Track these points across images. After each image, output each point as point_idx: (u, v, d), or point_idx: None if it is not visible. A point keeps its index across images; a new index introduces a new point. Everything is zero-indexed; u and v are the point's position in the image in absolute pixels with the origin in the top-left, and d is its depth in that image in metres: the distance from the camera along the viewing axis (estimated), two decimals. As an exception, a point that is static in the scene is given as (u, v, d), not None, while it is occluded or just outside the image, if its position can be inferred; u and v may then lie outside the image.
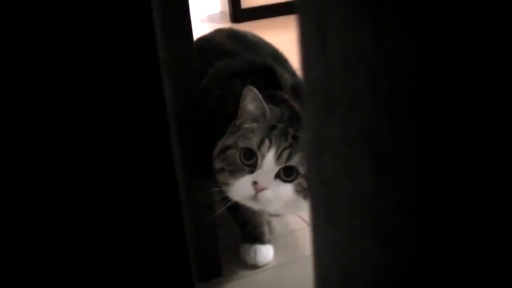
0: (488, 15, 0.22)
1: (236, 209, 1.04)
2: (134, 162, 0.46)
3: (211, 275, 1.05)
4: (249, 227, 1.10)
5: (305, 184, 0.90)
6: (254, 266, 1.09)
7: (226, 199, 0.95)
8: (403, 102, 0.25)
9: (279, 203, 0.92)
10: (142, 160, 0.46)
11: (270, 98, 0.97)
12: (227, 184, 0.93)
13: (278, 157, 0.89)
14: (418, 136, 0.25)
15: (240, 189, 0.91)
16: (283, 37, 1.93)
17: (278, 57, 1.17)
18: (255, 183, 0.89)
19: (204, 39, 1.29)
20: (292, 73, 1.12)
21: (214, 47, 1.20)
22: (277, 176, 0.90)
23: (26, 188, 0.46)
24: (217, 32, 1.31)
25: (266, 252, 1.10)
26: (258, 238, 1.10)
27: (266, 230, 1.11)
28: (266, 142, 0.90)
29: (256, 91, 0.92)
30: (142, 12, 0.41)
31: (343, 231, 0.30)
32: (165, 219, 0.48)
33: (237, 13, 3.64)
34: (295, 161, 0.89)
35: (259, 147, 0.90)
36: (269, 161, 0.89)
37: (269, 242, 1.11)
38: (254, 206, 0.94)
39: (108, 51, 0.42)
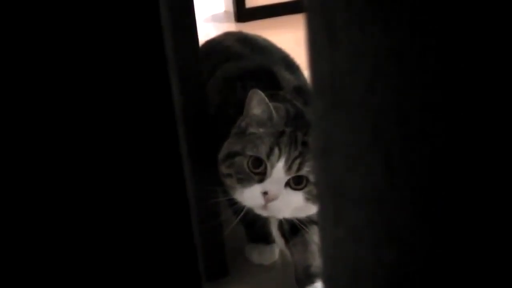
0: (500, 12, 0.22)
1: (241, 210, 1.03)
2: (142, 162, 0.46)
3: (217, 274, 1.05)
4: (254, 227, 1.10)
5: (315, 192, 0.88)
6: (260, 266, 1.09)
7: (237, 212, 0.94)
8: (413, 99, 0.25)
9: (289, 211, 0.91)
10: (150, 160, 0.46)
11: (272, 97, 0.95)
12: (234, 188, 0.92)
13: (288, 167, 0.87)
14: (428, 133, 0.25)
15: (249, 198, 0.90)
16: (288, 37, 1.93)
17: (289, 63, 1.14)
18: (265, 193, 0.87)
19: (213, 41, 1.29)
20: (300, 78, 1.10)
21: (223, 50, 1.18)
22: (287, 184, 0.88)
23: (35, 188, 0.46)
24: (227, 35, 1.31)
25: (271, 252, 1.10)
26: (263, 238, 1.10)
27: (271, 229, 1.11)
28: (276, 151, 0.88)
29: (262, 94, 0.90)
30: (150, 11, 0.41)
31: (351, 230, 0.30)
32: (173, 220, 0.48)
33: (242, 12, 3.64)
34: (305, 170, 0.87)
35: (268, 156, 0.88)
36: (279, 170, 0.87)
37: (274, 241, 1.11)
38: (263, 214, 0.93)
39: (117, 50, 0.42)
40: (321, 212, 0.34)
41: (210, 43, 1.29)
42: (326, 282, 0.34)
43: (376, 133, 0.27)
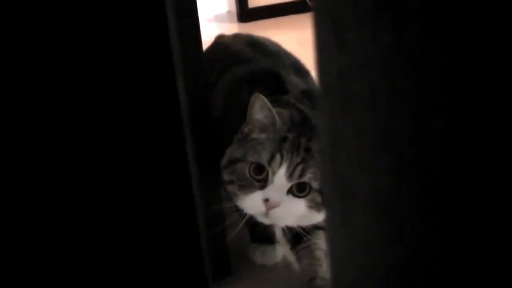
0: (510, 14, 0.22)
1: (244, 215, 1.03)
2: (149, 162, 0.46)
3: (220, 274, 1.05)
4: (258, 227, 1.09)
5: (318, 199, 0.87)
6: (263, 266, 1.09)
7: (242, 215, 0.93)
8: (423, 100, 0.25)
9: (291, 219, 0.90)
10: (157, 160, 0.46)
11: (276, 102, 0.94)
12: (236, 195, 0.91)
13: (290, 174, 0.86)
14: (437, 134, 0.25)
15: (250, 205, 0.89)
16: (291, 37, 1.93)
17: (298, 68, 1.12)
18: (266, 200, 0.86)
19: (222, 44, 1.28)
20: (310, 83, 1.09)
21: (232, 53, 1.17)
22: (289, 191, 0.87)
23: (42, 188, 0.46)
24: (237, 38, 1.29)
25: (274, 252, 1.10)
26: (267, 238, 1.10)
27: (275, 230, 1.11)
28: (277, 157, 0.86)
29: (265, 99, 0.88)
30: (156, 13, 0.41)
31: (360, 231, 0.30)
32: (180, 222, 0.48)
33: (244, 12, 3.64)
34: (308, 177, 0.86)
35: (269, 162, 0.86)
36: (280, 177, 0.86)
37: (278, 242, 1.11)
38: (265, 221, 0.92)
39: (123, 51, 0.42)
40: (328, 213, 0.34)
41: (219, 45, 1.28)
42: (334, 283, 0.34)
43: (384, 134, 0.27)
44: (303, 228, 0.94)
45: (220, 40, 1.32)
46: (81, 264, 0.48)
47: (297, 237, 1.00)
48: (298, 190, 0.87)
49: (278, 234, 1.11)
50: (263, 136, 0.89)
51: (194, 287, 0.47)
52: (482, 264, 0.26)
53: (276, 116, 0.89)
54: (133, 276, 0.48)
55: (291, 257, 1.06)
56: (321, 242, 1.00)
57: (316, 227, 0.98)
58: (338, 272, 0.33)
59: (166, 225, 0.48)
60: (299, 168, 0.86)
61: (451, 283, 0.27)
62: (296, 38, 1.67)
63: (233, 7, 3.75)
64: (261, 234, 1.10)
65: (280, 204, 0.86)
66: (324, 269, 0.96)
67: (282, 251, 1.11)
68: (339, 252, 0.32)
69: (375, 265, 0.30)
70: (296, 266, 1.05)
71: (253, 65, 1.09)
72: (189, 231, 0.48)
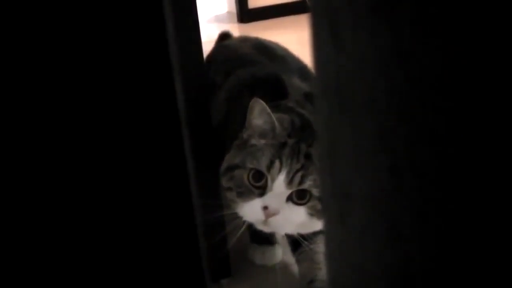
0: (507, 14, 0.22)
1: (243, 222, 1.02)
2: (146, 163, 0.46)
3: (220, 275, 1.05)
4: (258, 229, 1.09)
5: (319, 207, 0.86)
6: (263, 266, 1.09)
7: (242, 222, 0.92)
8: (421, 100, 0.25)
9: (291, 227, 0.89)
10: (154, 161, 0.46)
11: (276, 107, 0.93)
12: (235, 202, 0.90)
13: (290, 181, 0.85)
14: (433, 134, 0.25)
15: (249, 213, 0.88)
16: (291, 37, 1.93)
17: (305, 72, 1.11)
18: (265, 208, 0.85)
19: (228, 46, 1.27)
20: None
21: (238, 56, 1.16)
22: (289, 198, 0.86)
23: (40, 188, 0.46)
24: (243, 41, 1.28)
25: (274, 253, 1.10)
26: (266, 239, 1.10)
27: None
28: (277, 164, 0.85)
29: (264, 104, 0.87)
30: (154, 12, 0.41)
31: (357, 232, 0.30)
32: (178, 224, 0.48)
33: (245, 13, 3.64)
34: (308, 184, 0.85)
35: (268, 169, 0.85)
36: (280, 184, 0.85)
37: (277, 242, 1.11)
38: (265, 229, 0.91)
39: (121, 51, 0.42)
40: (326, 213, 0.34)
41: (226, 47, 1.27)
42: (331, 284, 0.34)
43: (381, 135, 0.27)
44: (302, 236, 0.93)
45: (227, 42, 1.32)
46: (77, 269, 0.48)
47: (297, 242, 1.00)
48: (298, 197, 0.86)
49: (278, 235, 1.11)
50: (262, 142, 0.88)
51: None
52: (480, 264, 0.25)
53: (276, 122, 0.88)
54: (130, 277, 0.48)
55: (291, 258, 1.06)
56: (320, 245, 1.00)
57: (315, 233, 0.97)
58: (335, 273, 0.33)
59: (163, 227, 0.48)
60: (299, 174, 0.85)
61: (449, 284, 0.27)
62: (296, 38, 1.67)
63: (233, 8, 3.76)
64: (261, 235, 1.09)
65: (280, 211, 0.85)
66: (324, 272, 0.95)
67: (281, 251, 1.11)
68: (337, 253, 0.32)
69: (372, 266, 0.30)
70: (295, 266, 1.05)
71: (255, 68, 1.08)
72: (187, 233, 0.48)
